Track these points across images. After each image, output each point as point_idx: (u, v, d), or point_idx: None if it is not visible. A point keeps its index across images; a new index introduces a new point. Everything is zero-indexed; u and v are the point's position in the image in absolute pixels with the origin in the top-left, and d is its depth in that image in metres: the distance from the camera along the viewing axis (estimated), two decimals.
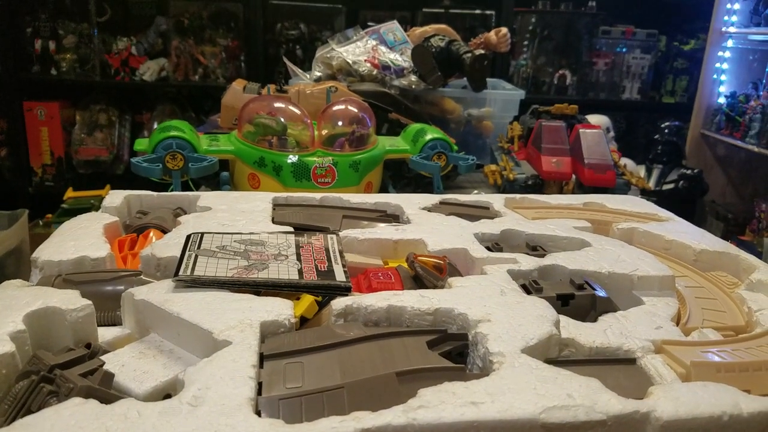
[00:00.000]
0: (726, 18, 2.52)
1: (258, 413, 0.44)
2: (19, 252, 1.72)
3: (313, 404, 0.45)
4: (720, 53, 2.57)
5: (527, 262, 0.71)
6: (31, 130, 2.73)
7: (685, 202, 2.37)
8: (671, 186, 2.39)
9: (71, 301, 0.54)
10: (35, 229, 2.25)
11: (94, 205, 2.15)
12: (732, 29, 2.50)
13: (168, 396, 0.49)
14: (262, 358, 0.50)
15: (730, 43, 2.55)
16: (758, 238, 2.24)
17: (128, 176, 2.81)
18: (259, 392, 0.46)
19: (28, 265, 0.67)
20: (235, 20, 2.80)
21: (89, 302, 0.55)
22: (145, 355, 0.54)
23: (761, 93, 2.34)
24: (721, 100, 2.55)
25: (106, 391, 0.45)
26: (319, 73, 1.57)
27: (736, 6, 2.48)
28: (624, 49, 2.92)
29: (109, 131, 2.83)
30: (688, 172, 2.40)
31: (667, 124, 2.52)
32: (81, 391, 0.44)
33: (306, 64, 2.31)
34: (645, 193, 1.28)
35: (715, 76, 2.59)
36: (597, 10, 2.92)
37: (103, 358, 0.50)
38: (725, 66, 2.57)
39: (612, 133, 2.35)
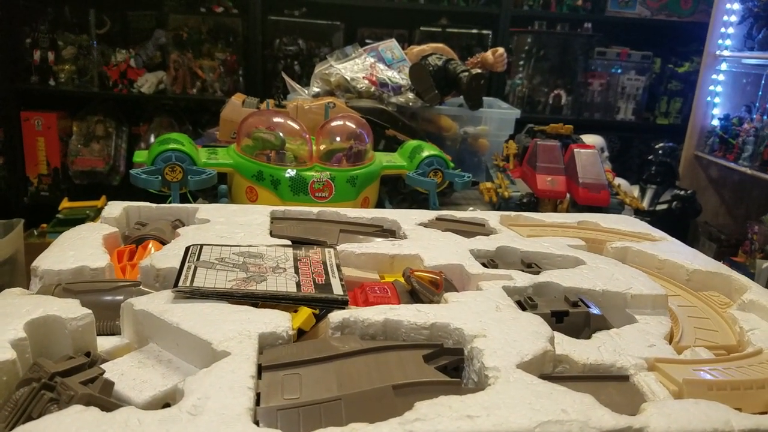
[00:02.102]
0: (720, 42, 2.56)
1: (256, 423, 0.44)
2: (14, 261, 1.72)
3: (310, 415, 0.46)
4: (714, 76, 2.61)
5: (522, 279, 0.72)
6: (28, 140, 2.75)
7: (678, 223, 2.39)
8: (665, 206, 2.41)
9: (71, 309, 0.55)
10: (30, 238, 2.25)
11: (89, 216, 2.16)
12: (726, 53, 2.54)
13: (167, 405, 0.49)
14: (260, 369, 0.50)
15: (724, 66, 2.59)
16: (751, 259, 2.26)
17: (124, 187, 2.82)
18: (257, 402, 0.46)
19: (23, 275, 0.68)
20: (233, 35, 2.82)
21: (89, 311, 0.55)
22: (143, 364, 0.54)
23: (754, 116, 2.37)
24: (715, 122, 2.59)
25: (106, 399, 0.46)
26: (317, 89, 1.58)
27: (730, 30, 2.52)
28: (619, 70, 2.96)
29: (106, 142, 2.84)
30: (682, 193, 2.42)
31: (661, 145, 2.54)
32: (81, 398, 0.44)
33: (304, 80, 2.33)
34: (639, 213, 1.29)
35: (708, 99, 2.62)
36: (592, 32, 2.96)
37: (102, 367, 0.51)
38: (719, 89, 2.61)
39: (606, 153, 2.38)
